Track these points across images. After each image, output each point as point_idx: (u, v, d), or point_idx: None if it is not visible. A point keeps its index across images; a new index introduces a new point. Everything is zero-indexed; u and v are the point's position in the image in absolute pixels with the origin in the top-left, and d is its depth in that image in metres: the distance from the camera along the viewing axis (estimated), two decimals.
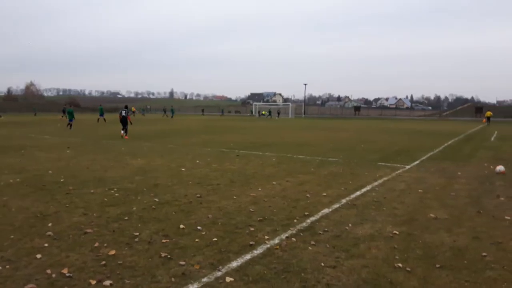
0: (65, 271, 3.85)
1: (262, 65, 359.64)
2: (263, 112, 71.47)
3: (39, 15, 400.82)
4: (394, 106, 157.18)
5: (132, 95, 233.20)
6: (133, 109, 62.90)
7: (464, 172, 9.92)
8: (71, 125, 26.38)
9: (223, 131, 26.75)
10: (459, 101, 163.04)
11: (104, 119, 37.02)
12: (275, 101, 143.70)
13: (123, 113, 19.94)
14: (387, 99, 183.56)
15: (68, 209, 6.09)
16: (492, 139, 21.60)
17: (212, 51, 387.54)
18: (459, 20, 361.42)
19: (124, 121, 19.69)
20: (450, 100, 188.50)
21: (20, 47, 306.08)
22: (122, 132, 19.72)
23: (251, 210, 6.14)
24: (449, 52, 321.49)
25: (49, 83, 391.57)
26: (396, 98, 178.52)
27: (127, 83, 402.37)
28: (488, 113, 46.98)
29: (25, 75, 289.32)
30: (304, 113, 79.59)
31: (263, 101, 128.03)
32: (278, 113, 70.44)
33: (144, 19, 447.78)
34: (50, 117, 52.28)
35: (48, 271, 3.85)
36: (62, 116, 46.05)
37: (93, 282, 3.64)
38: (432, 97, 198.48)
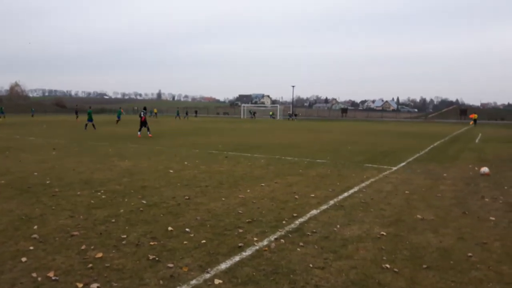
0: (51, 274, 3.79)
1: (250, 67, 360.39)
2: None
3: (25, 15, 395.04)
4: (380, 108, 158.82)
5: (119, 96, 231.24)
6: (155, 110, 66.36)
7: (450, 174, 10.07)
8: (93, 125, 26.90)
9: (211, 132, 26.67)
10: (444, 103, 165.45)
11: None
12: (263, 103, 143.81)
13: (142, 114, 21.92)
14: (373, 101, 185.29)
15: (54, 212, 6.00)
16: (477, 141, 21.97)
17: (199, 53, 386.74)
18: (446, 23, 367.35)
19: (143, 122, 21.54)
20: (435, 102, 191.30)
21: (4, 47, 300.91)
22: (139, 133, 21.31)
23: (240, 211, 6.13)
24: (435, 55, 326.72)
25: (35, 83, 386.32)
26: (382, 100, 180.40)
27: (114, 84, 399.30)
28: (474, 116, 48.27)
29: (9, 75, 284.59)
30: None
31: (252, 103, 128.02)
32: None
33: (132, 20, 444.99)
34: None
35: (34, 274, 3.79)
36: (77, 117, 45.82)
37: (80, 285, 3.59)
38: (418, 100, 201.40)
